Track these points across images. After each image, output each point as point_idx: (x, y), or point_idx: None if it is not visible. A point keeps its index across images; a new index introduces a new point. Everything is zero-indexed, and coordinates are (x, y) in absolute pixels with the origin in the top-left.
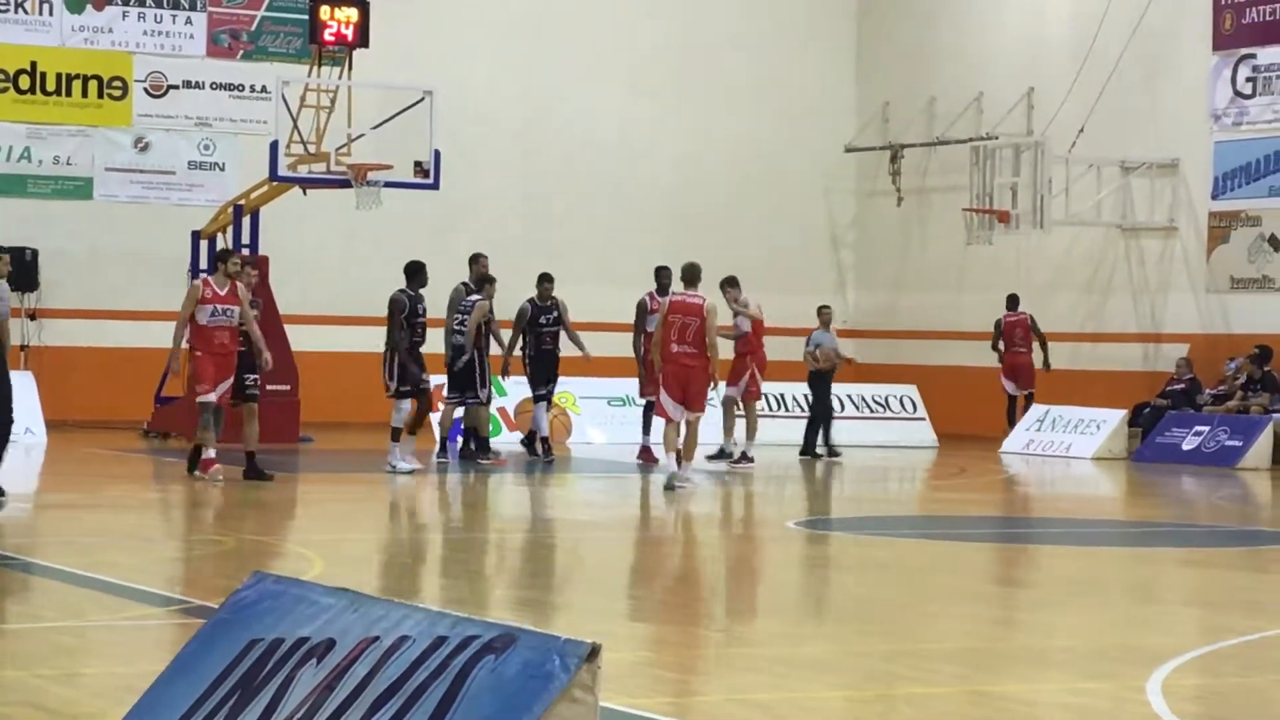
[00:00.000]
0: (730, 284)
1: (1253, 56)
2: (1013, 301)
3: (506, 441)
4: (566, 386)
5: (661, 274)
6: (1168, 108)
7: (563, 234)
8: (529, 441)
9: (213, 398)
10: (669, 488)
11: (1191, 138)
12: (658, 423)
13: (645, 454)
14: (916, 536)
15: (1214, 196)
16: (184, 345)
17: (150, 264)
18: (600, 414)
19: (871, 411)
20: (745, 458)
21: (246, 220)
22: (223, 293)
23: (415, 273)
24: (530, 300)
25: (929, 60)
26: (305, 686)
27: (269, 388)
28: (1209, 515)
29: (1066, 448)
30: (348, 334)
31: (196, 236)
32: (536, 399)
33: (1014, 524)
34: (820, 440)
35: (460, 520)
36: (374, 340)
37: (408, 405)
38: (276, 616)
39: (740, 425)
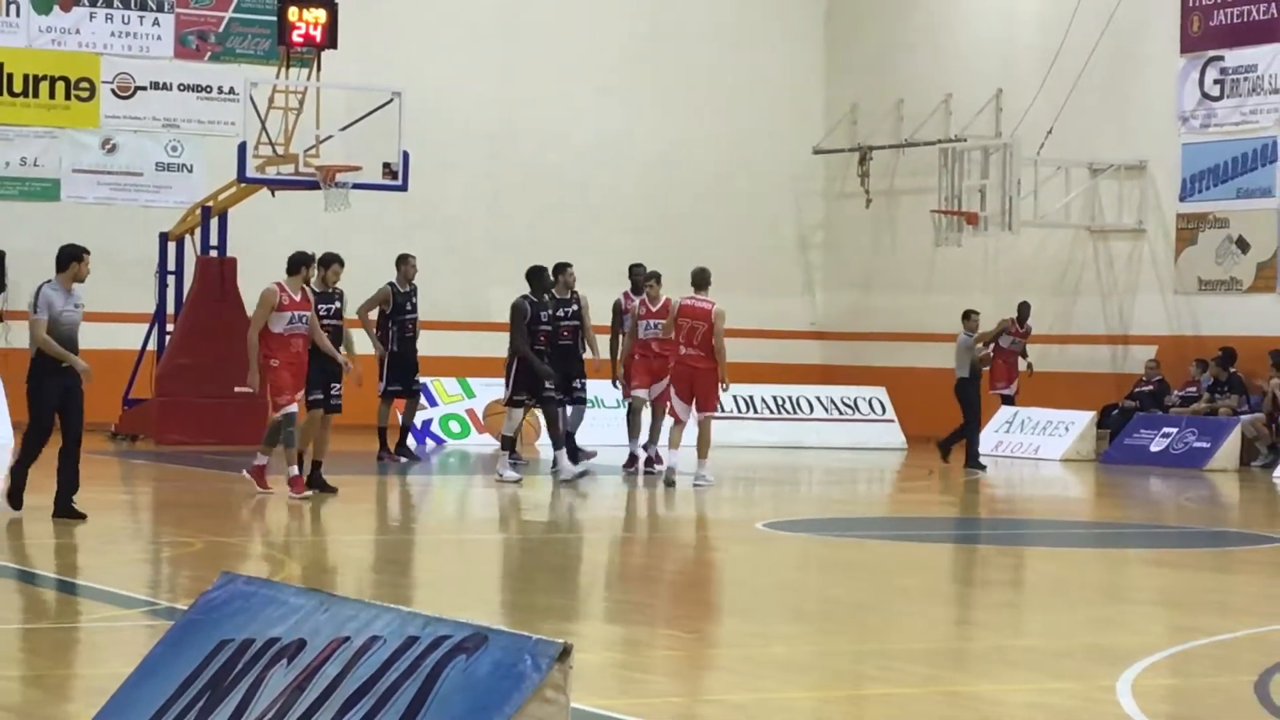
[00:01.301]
0: (655, 280)
1: (1220, 59)
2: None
3: (479, 443)
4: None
5: (635, 272)
6: (1136, 110)
7: (531, 235)
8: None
9: (295, 408)
10: (670, 484)
11: (1159, 140)
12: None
13: (632, 461)
14: (885, 538)
15: (1182, 198)
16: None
17: (118, 266)
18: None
19: (840, 413)
20: (650, 461)
21: (215, 222)
22: (297, 298)
23: (536, 277)
24: (526, 297)
25: (897, 62)
26: (276, 687)
27: (236, 389)
28: (1177, 516)
29: (1035, 449)
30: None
31: (164, 238)
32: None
33: (983, 525)
34: (951, 447)
35: (434, 521)
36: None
37: (520, 415)
38: (246, 617)
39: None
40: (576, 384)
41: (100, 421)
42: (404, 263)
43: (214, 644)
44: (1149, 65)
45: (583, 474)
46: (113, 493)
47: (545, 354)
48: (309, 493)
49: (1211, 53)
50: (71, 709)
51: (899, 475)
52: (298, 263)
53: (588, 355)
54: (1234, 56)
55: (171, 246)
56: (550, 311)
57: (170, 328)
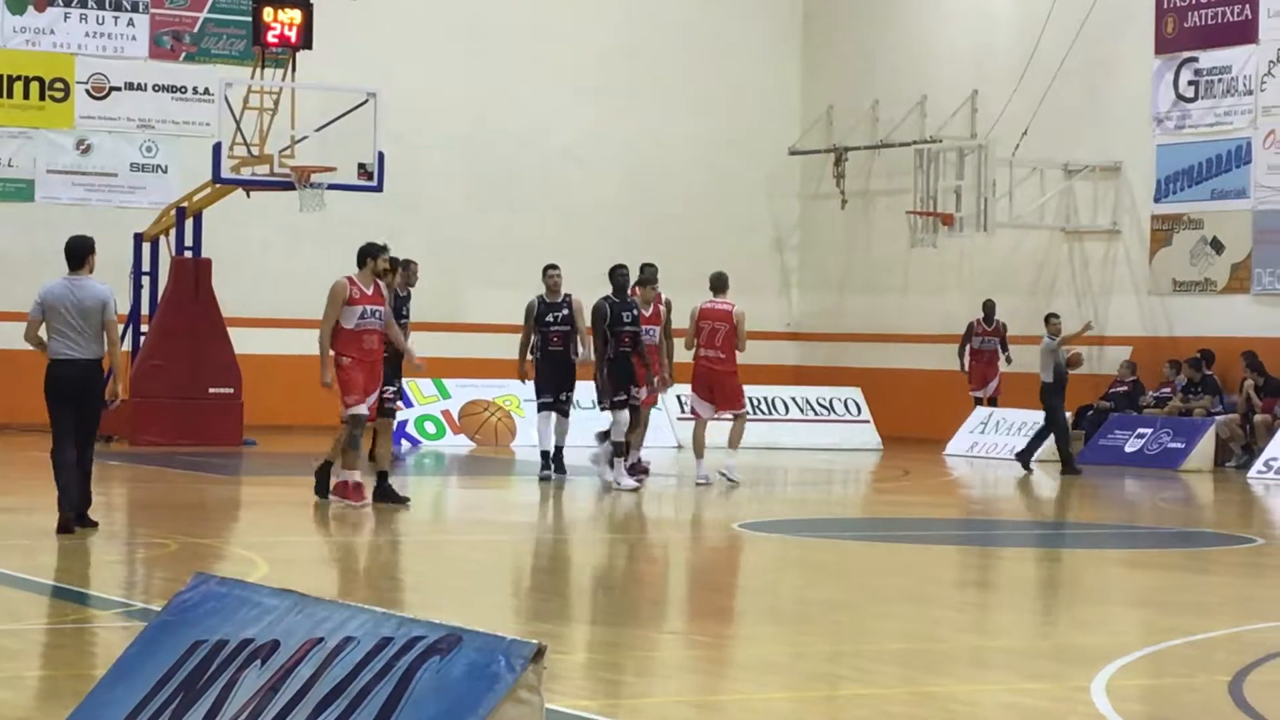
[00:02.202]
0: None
1: (1195, 60)
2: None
3: (454, 444)
4: (511, 390)
5: (618, 274)
6: (1110, 111)
7: (506, 237)
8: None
9: (364, 410)
10: (704, 482)
11: (1134, 141)
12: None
13: (635, 469)
14: (861, 538)
15: (1156, 199)
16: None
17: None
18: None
19: (815, 414)
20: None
21: (190, 222)
22: (369, 292)
23: (614, 278)
24: (606, 299)
25: (873, 63)
26: (249, 688)
27: (211, 390)
28: (1152, 517)
29: (1010, 450)
30: (291, 336)
31: (139, 239)
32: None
33: (958, 526)
34: (1036, 453)
35: (409, 523)
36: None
37: (626, 417)
38: (220, 618)
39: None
40: (563, 396)
41: None
42: (405, 268)
43: (188, 645)
44: (1124, 66)
45: (636, 489)
46: None
47: (630, 355)
48: (366, 502)
49: (1186, 54)
50: (45, 711)
51: (874, 476)
52: (365, 254)
53: (579, 357)
54: (1208, 58)
55: (146, 247)
56: (631, 313)
57: (145, 329)
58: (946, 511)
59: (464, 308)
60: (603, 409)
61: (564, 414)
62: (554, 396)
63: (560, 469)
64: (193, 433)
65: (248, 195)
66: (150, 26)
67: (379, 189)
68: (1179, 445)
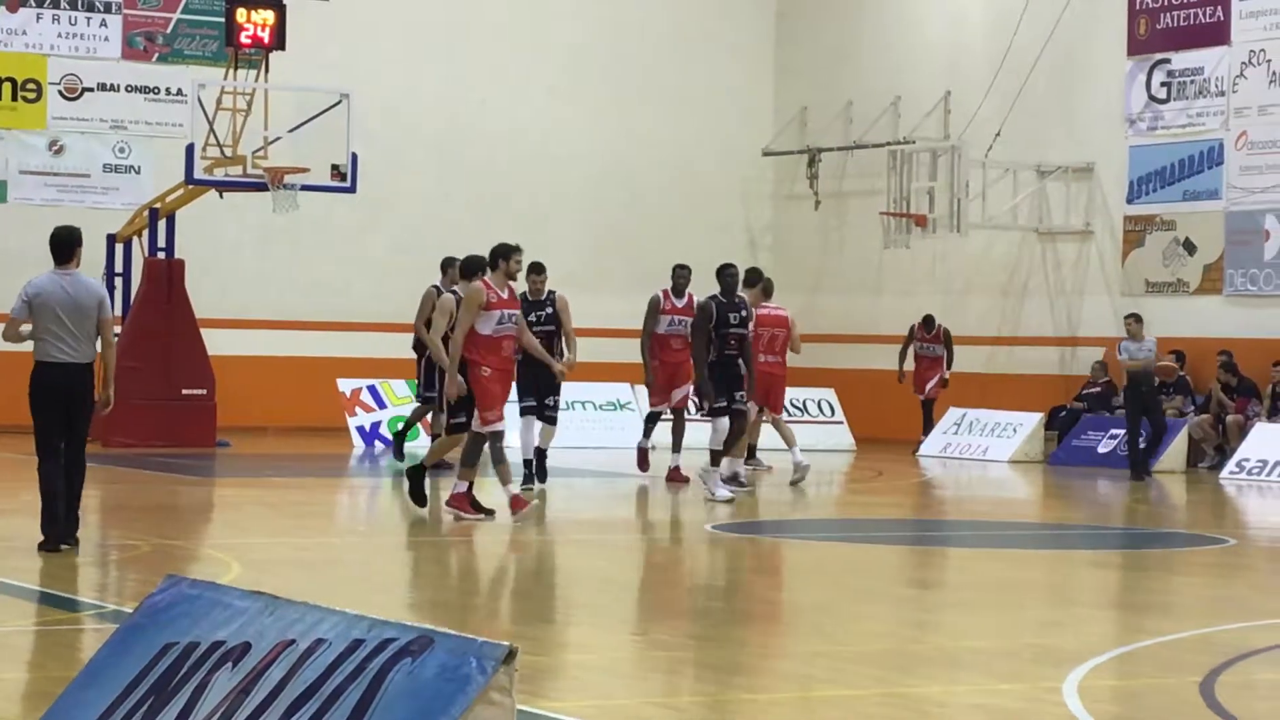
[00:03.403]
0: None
1: (1167, 61)
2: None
3: (427, 445)
4: None
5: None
6: (1083, 112)
7: (481, 237)
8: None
9: (503, 426)
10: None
11: (1107, 142)
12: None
13: (675, 474)
14: (834, 539)
15: (1129, 200)
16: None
17: None
18: (515, 418)
19: (788, 415)
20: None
21: (162, 224)
22: (504, 295)
23: (722, 277)
24: (714, 298)
25: (846, 64)
26: (221, 690)
27: (184, 391)
28: (1124, 518)
29: (983, 451)
30: (264, 337)
31: (112, 240)
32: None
33: (931, 527)
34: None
35: (379, 525)
36: (290, 344)
37: (725, 424)
38: (191, 620)
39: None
40: (549, 401)
41: None
42: (450, 266)
43: (159, 647)
44: (1096, 68)
45: (731, 500)
46: None
47: (735, 359)
48: (483, 515)
49: (1158, 55)
50: (15, 712)
51: (847, 477)
52: (498, 255)
53: (564, 360)
54: (1181, 59)
55: (119, 248)
56: (740, 314)
57: (118, 330)
58: (919, 513)
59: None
60: (703, 415)
61: (551, 421)
62: (537, 400)
63: (542, 475)
64: (166, 434)
65: (221, 196)
66: (123, 27)
67: (352, 190)
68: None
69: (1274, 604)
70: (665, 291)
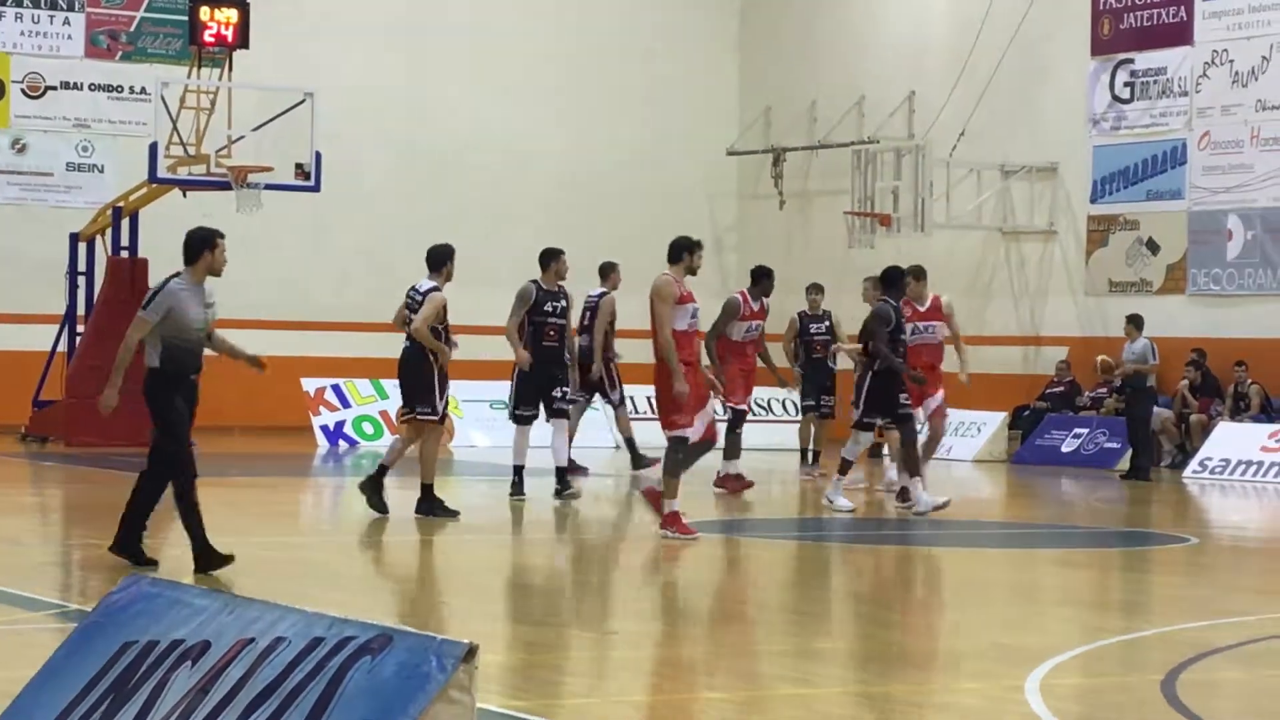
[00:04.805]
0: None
1: (1130, 61)
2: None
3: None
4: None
5: (764, 276)
6: (1047, 112)
7: (444, 236)
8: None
9: (690, 434)
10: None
11: (1070, 142)
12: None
13: (727, 482)
14: (798, 539)
15: (1093, 200)
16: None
17: (28, 266)
18: (483, 417)
19: (754, 414)
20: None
21: (126, 222)
22: (688, 291)
23: (894, 280)
24: (886, 300)
25: (811, 64)
26: (180, 689)
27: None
28: (1087, 517)
29: (947, 450)
30: (228, 336)
31: (75, 239)
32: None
33: (894, 526)
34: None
35: (341, 524)
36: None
37: (869, 438)
38: (151, 619)
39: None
40: (557, 393)
41: (10, 423)
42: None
43: (118, 646)
44: (1060, 68)
45: (944, 504)
46: (22, 495)
47: (902, 369)
48: (697, 535)
49: (1122, 55)
50: None
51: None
52: (682, 249)
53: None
54: (1144, 59)
55: (82, 247)
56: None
57: (81, 329)
58: (884, 512)
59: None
60: (857, 428)
61: (564, 415)
62: (535, 404)
63: (565, 486)
64: (130, 434)
65: (184, 195)
66: (86, 25)
67: (316, 189)
68: (1115, 445)
69: (1235, 603)
70: (743, 294)
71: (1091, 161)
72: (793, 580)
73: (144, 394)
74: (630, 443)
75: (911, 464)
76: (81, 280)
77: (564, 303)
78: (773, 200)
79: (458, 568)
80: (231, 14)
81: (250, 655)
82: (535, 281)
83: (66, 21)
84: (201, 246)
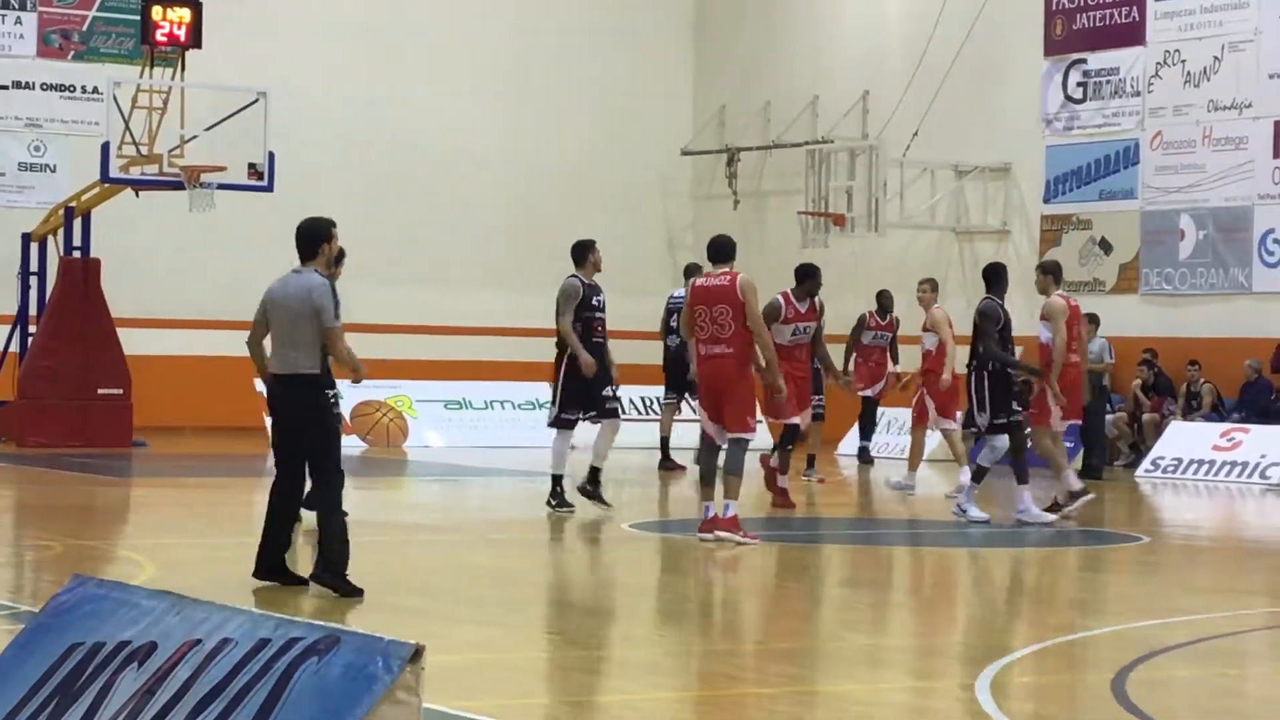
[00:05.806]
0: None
1: (1084, 61)
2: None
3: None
4: (404, 390)
5: (807, 275)
6: (1000, 112)
7: (399, 236)
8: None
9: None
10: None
11: (1024, 142)
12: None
13: (783, 497)
14: (781, 539)
15: (1046, 200)
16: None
17: None
18: (437, 417)
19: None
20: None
21: (78, 222)
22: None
23: (997, 276)
24: (991, 298)
25: (765, 64)
26: (126, 690)
27: (100, 391)
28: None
29: (901, 450)
30: (181, 337)
31: (27, 239)
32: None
33: (850, 525)
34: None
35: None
36: (207, 344)
37: (1004, 442)
38: (98, 620)
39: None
40: (607, 392)
41: None
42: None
43: (64, 647)
44: (1013, 68)
45: (987, 520)
46: None
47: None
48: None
49: (1075, 56)
50: None
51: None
52: (725, 250)
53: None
54: (1097, 59)
55: (34, 247)
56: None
57: (33, 329)
58: (837, 511)
59: (355, 308)
60: (979, 432)
61: (614, 415)
62: (582, 407)
63: (595, 493)
64: (82, 434)
65: (137, 195)
66: (38, 25)
67: (270, 189)
68: (1067, 444)
69: (1186, 601)
70: (786, 295)
71: (1044, 161)
72: (743, 580)
73: (294, 402)
74: (665, 442)
75: (1022, 473)
76: (34, 280)
77: (604, 296)
78: (727, 200)
79: (405, 568)
80: (184, 13)
81: (197, 656)
82: (575, 276)
83: (18, 21)
84: (320, 239)
